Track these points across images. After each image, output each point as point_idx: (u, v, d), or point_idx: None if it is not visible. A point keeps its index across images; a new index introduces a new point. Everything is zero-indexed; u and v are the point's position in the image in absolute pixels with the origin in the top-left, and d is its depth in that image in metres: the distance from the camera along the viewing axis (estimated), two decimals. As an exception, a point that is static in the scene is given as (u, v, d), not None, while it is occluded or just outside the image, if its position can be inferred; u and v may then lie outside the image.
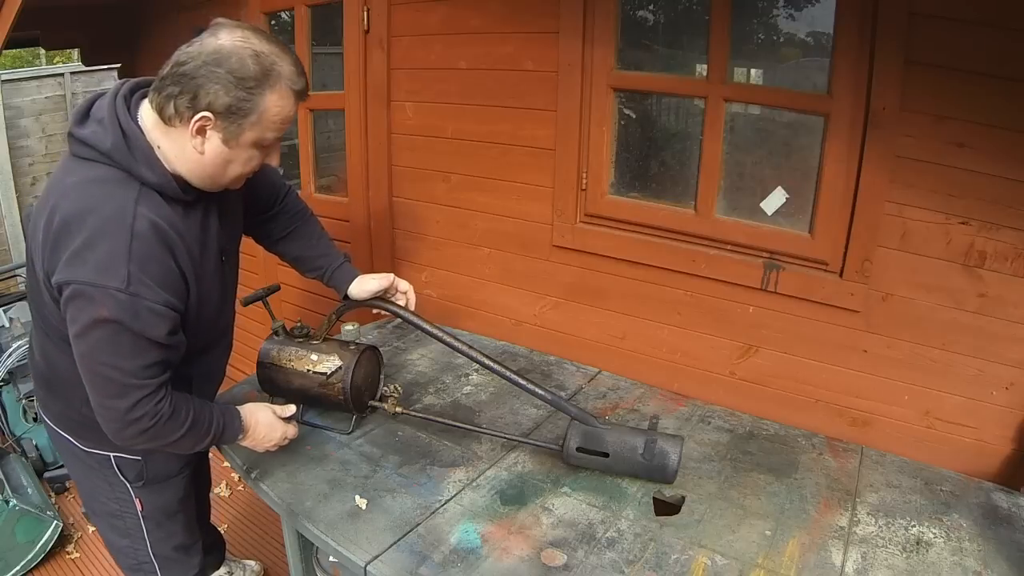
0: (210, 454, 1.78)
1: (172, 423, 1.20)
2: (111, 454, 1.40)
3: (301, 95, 1.16)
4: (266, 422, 1.41)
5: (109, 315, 1.07)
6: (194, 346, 1.26)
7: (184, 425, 1.22)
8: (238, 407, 1.38)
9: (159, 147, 1.14)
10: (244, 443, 1.40)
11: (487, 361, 1.49)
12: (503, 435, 1.56)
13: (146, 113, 1.15)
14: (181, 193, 1.17)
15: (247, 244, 1.63)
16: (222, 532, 2.31)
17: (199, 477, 1.70)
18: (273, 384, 1.61)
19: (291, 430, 1.46)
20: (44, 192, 1.18)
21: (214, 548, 1.92)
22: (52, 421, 1.42)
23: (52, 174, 1.23)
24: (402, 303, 1.59)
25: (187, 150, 1.14)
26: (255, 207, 1.54)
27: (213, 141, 1.13)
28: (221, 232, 1.32)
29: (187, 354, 1.26)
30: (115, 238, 1.08)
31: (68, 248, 1.08)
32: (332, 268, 1.59)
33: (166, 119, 1.12)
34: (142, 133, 1.13)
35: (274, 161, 1.23)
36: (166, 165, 1.15)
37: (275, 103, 1.12)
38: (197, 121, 1.09)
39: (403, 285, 1.59)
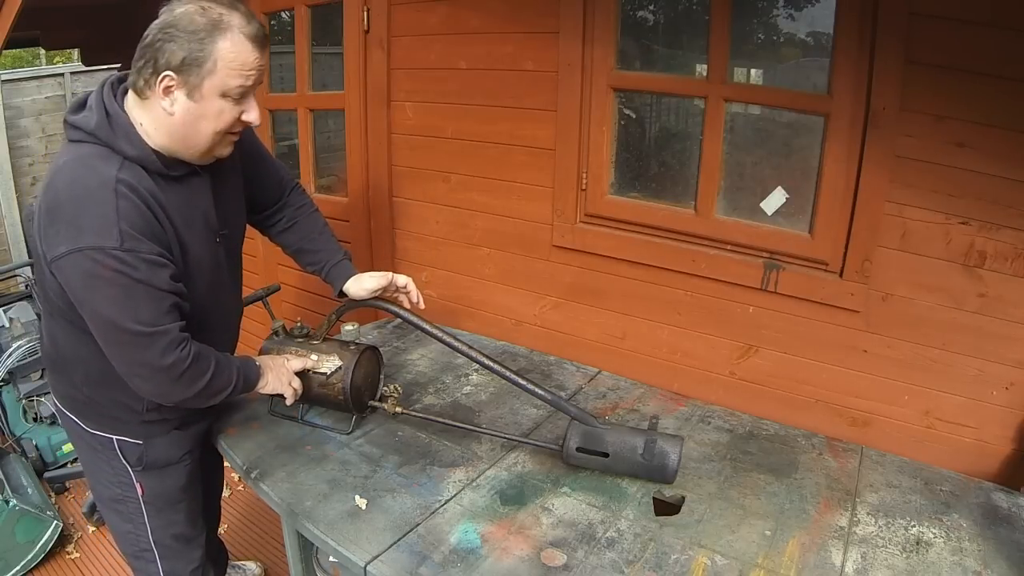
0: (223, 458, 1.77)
1: (202, 363, 1.28)
2: (114, 437, 1.43)
3: (257, 39, 1.21)
4: (272, 358, 1.52)
5: (114, 274, 1.15)
6: (191, 329, 1.28)
7: (212, 365, 1.31)
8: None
9: (141, 124, 1.22)
10: (264, 384, 1.46)
11: (487, 361, 1.49)
12: (503, 435, 1.56)
13: (129, 97, 1.24)
14: (163, 167, 1.24)
15: (247, 244, 1.63)
16: (222, 533, 2.32)
17: (210, 477, 1.71)
18: (273, 384, 1.61)
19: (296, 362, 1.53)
20: (44, 177, 1.26)
21: (217, 560, 1.91)
22: (60, 403, 1.47)
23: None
24: (403, 299, 1.61)
25: (160, 117, 1.21)
26: (262, 201, 1.61)
27: (179, 99, 1.19)
28: (215, 213, 1.37)
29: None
30: (102, 203, 1.15)
31: (61, 221, 1.15)
32: (331, 264, 1.61)
33: (139, 92, 1.21)
34: (124, 113, 1.22)
35: (252, 116, 1.27)
36: (148, 141, 1.23)
37: (228, 49, 1.17)
38: (161, 82, 1.17)
39: (401, 280, 1.60)
